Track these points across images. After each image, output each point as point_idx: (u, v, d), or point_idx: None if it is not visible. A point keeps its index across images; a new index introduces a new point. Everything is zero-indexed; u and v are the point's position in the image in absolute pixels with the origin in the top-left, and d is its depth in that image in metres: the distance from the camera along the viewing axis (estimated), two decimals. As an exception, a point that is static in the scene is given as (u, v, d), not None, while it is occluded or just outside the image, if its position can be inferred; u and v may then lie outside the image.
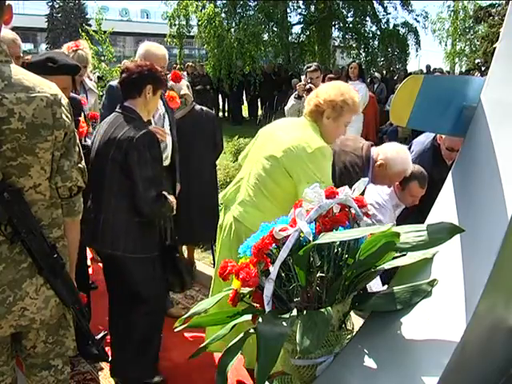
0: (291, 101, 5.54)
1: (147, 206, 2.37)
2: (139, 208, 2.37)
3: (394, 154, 2.87)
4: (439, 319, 1.41)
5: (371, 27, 17.41)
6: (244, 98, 15.25)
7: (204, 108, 3.81)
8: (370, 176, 2.89)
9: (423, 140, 3.48)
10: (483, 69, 15.21)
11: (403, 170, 2.89)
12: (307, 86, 5.34)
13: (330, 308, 1.39)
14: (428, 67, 14.57)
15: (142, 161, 2.33)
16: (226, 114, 14.99)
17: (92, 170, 2.39)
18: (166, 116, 3.16)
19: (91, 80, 4.37)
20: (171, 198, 2.49)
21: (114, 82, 3.15)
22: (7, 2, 1.55)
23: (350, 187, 1.59)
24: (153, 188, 2.36)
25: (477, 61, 17.61)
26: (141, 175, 2.32)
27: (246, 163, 2.56)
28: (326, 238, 1.40)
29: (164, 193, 2.45)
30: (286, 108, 5.73)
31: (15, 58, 2.46)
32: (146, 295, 2.53)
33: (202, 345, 1.64)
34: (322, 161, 2.25)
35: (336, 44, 18.52)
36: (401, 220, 3.31)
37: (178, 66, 15.52)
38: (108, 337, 2.66)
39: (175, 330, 1.57)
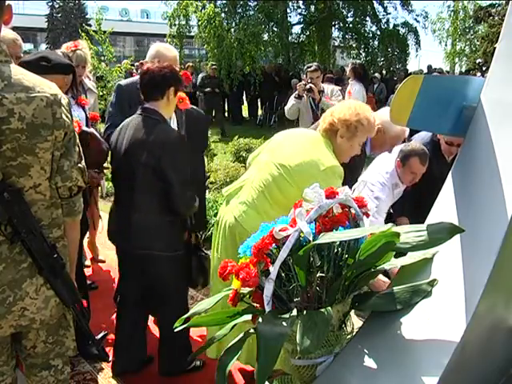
0: (291, 101, 5.54)
1: (184, 207, 2.49)
2: (176, 208, 2.46)
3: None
4: (439, 319, 1.41)
5: (371, 27, 17.44)
6: (244, 97, 15.26)
7: (195, 108, 3.79)
8: (369, 146, 2.89)
9: (423, 135, 3.49)
10: (484, 69, 15.22)
11: (401, 131, 2.87)
12: (307, 86, 5.35)
13: (329, 308, 1.39)
14: (429, 67, 14.57)
15: (177, 164, 2.42)
16: (226, 114, 14.99)
17: (120, 172, 2.54)
18: (174, 117, 3.06)
19: (90, 80, 4.37)
20: None
21: (123, 82, 3.32)
22: (7, 2, 1.55)
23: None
24: (187, 188, 2.46)
25: (478, 60, 17.62)
26: (176, 178, 2.41)
27: (254, 164, 2.56)
28: (326, 237, 1.40)
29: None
30: (286, 108, 5.73)
31: (15, 58, 2.44)
32: (172, 292, 2.64)
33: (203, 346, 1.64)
34: (332, 179, 2.23)
35: (336, 44, 18.52)
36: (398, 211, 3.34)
37: (178, 66, 15.51)
38: (108, 336, 2.66)
39: (175, 330, 1.58)
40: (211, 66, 12.70)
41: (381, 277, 2.23)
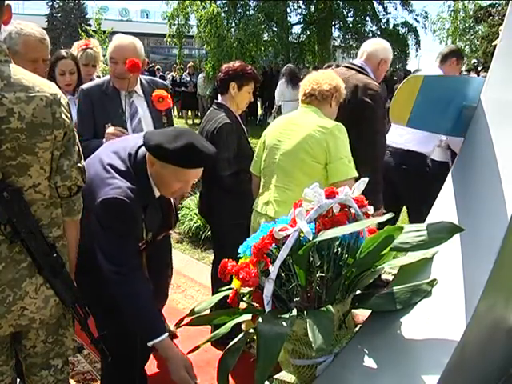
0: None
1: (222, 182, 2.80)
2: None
3: (373, 46, 3.25)
4: (439, 319, 1.41)
5: (371, 27, 17.42)
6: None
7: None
8: None
9: None
10: (479, 68, 15.26)
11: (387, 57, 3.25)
12: None
13: (330, 306, 1.39)
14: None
15: (223, 145, 2.69)
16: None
17: None
18: (147, 121, 2.67)
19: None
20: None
21: (85, 85, 2.78)
22: (6, 2, 1.55)
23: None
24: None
25: (473, 61, 17.63)
26: (220, 156, 2.62)
27: (265, 169, 2.63)
28: (326, 234, 1.40)
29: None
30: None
31: (42, 61, 2.30)
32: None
33: (201, 342, 1.64)
34: (340, 136, 2.41)
35: (336, 44, 18.52)
36: None
37: (179, 66, 15.52)
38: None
39: (175, 328, 1.57)
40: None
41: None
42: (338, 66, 3.44)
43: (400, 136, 3.59)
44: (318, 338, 1.27)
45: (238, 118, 2.98)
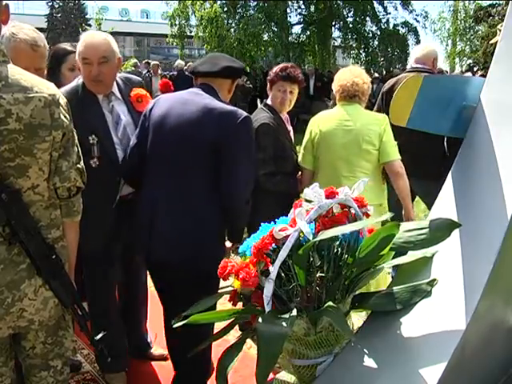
0: None
1: None
2: None
3: (424, 49, 3.65)
4: (439, 319, 1.41)
5: (371, 27, 17.44)
6: (244, 98, 15.26)
7: None
8: None
9: None
10: (475, 69, 15.29)
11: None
12: None
13: (331, 303, 1.40)
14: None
15: (258, 146, 2.63)
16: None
17: None
18: (130, 127, 2.40)
19: None
20: None
21: (63, 89, 2.46)
22: (4, 2, 1.54)
23: None
24: None
25: (468, 61, 17.67)
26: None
27: (322, 162, 2.88)
28: (325, 234, 1.40)
29: None
30: None
31: (34, 70, 1.89)
32: None
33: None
34: (389, 124, 2.73)
35: (336, 44, 18.53)
36: None
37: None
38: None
39: (174, 326, 1.57)
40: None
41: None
42: (404, 69, 3.71)
43: None
44: (346, 328, 1.37)
45: (282, 118, 2.98)
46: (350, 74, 2.88)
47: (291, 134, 3.04)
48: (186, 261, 2.06)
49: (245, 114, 2.11)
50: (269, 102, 2.98)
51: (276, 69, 2.95)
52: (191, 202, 2.10)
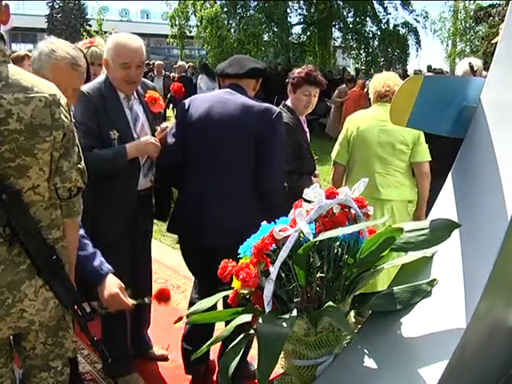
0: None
1: None
2: None
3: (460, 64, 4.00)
4: (439, 319, 1.41)
5: (371, 27, 17.45)
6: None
7: None
8: None
9: None
10: (475, 69, 15.25)
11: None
12: None
13: (331, 303, 1.40)
14: (429, 67, 14.54)
15: None
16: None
17: None
18: (146, 125, 2.56)
19: None
20: None
21: (86, 87, 2.58)
22: (4, 2, 1.54)
23: None
24: None
25: (468, 61, 17.66)
26: None
27: (357, 160, 3.11)
28: (326, 234, 1.40)
29: None
30: None
31: (72, 90, 1.92)
32: None
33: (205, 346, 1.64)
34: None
35: (336, 44, 18.54)
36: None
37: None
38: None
39: (174, 325, 1.58)
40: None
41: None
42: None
43: None
44: (347, 328, 1.40)
45: (301, 120, 2.99)
46: (383, 77, 3.15)
47: (307, 135, 3.06)
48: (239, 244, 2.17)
49: (278, 109, 2.44)
50: (288, 103, 3.00)
51: (299, 72, 2.96)
52: (239, 194, 2.39)
